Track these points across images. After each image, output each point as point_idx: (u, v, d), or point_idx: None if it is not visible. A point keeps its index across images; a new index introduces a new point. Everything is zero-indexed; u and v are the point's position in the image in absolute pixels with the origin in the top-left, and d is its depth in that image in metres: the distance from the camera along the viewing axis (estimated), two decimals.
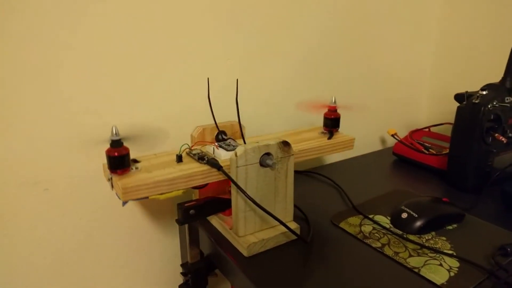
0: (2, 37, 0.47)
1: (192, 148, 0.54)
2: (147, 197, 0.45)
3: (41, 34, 0.49)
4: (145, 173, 0.46)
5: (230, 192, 0.54)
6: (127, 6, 0.54)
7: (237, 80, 0.55)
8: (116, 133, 0.44)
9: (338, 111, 0.62)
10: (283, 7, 0.69)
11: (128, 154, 0.45)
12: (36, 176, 0.53)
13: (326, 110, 0.62)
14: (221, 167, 0.48)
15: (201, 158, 0.50)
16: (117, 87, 0.56)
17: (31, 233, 0.55)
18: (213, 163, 0.48)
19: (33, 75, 0.50)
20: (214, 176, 0.49)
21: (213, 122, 0.57)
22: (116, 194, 0.45)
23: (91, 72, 0.54)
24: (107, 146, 0.44)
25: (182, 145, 0.52)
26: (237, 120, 0.60)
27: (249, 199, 0.47)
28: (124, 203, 0.46)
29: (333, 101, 0.61)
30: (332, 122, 0.61)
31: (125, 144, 0.45)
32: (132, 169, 0.47)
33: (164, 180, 0.45)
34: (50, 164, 0.54)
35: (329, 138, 0.61)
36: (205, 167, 0.48)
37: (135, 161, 0.50)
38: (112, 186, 0.45)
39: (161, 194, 0.46)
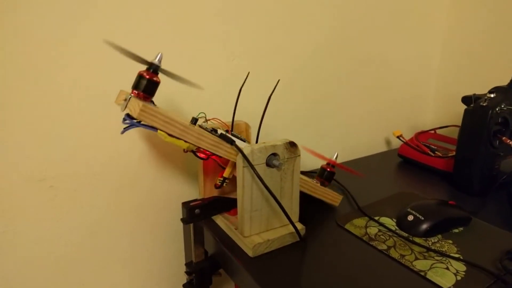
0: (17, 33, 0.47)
1: (209, 120, 0.53)
2: (156, 129, 0.43)
3: (67, 28, 0.49)
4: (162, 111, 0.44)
5: (216, 185, 0.53)
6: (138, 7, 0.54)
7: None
8: (159, 60, 0.42)
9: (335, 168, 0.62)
10: (287, 7, 0.69)
11: (158, 84, 0.43)
12: (41, 172, 0.53)
13: (325, 162, 0.62)
14: (234, 141, 0.47)
15: (214, 130, 0.48)
16: (125, 84, 0.56)
17: (36, 229, 0.55)
18: (226, 137, 0.47)
19: (39, 71, 0.50)
20: (223, 150, 0.47)
21: (225, 119, 0.56)
22: (126, 115, 0.43)
23: (100, 69, 0.54)
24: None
25: (200, 113, 0.50)
26: (242, 120, 0.60)
27: (265, 186, 0.46)
28: (125, 129, 0.44)
29: (335, 157, 0.62)
30: (327, 175, 0.61)
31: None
32: (151, 102, 0.45)
33: (179, 122, 0.43)
34: (56, 161, 0.54)
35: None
36: (217, 139, 0.47)
37: (153, 103, 0.47)
38: (126, 107, 0.43)
39: (170, 135, 0.44)
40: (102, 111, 0.55)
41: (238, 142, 0.49)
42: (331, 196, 0.60)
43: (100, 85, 0.54)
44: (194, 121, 0.47)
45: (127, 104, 0.43)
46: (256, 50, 0.67)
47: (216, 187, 0.52)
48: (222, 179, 0.51)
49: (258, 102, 0.70)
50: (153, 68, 0.43)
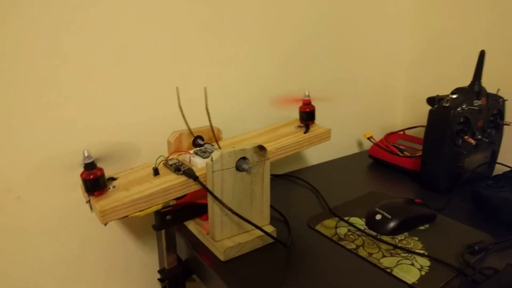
0: None
1: (168, 158, 0.54)
2: (126, 216, 0.45)
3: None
4: (123, 191, 0.46)
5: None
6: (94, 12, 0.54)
7: (205, 88, 0.54)
8: (88, 156, 0.44)
9: (312, 103, 0.62)
10: (258, 7, 0.69)
11: (103, 175, 0.45)
12: (7, 184, 0.52)
13: (300, 104, 0.62)
14: (197, 177, 0.48)
15: (177, 169, 0.50)
16: (86, 103, 0.55)
17: (5, 242, 0.53)
18: (189, 174, 0.48)
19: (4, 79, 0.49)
20: (192, 187, 0.49)
21: (193, 127, 0.57)
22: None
23: (59, 86, 0.53)
24: (78, 169, 0.43)
25: (158, 157, 0.52)
26: (214, 125, 0.60)
27: (225, 206, 0.47)
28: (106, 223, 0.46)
29: (307, 94, 0.61)
30: (307, 115, 0.61)
31: (98, 165, 0.44)
32: (109, 188, 0.46)
33: (142, 197, 0.45)
34: (23, 172, 0.53)
35: (306, 132, 0.61)
36: (182, 178, 0.48)
37: (112, 178, 0.50)
38: (91, 209, 0.45)
39: (141, 211, 0.46)
40: (67, 117, 0.55)
41: (203, 161, 0.50)
42: (319, 137, 0.61)
43: (61, 101, 0.54)
44: (155, 171, 0.50)
45: (91, 207, 0.45)
46: (223, 56, 0.68)
47: None
48: None
49: (228, 106, 0.70)
50: (90, 167, 0.44)
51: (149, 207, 0.46)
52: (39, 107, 0.52)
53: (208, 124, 0.60)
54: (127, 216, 0.45)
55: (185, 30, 0.62)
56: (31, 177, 0.53)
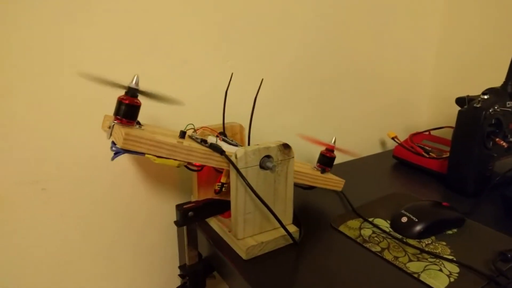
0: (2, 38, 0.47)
1: (197, 131, 0.53)
2: (143, 154, 0.42)
3: (40, 38, 0.49)
4: (148, 133, 0.44)
5: (215, 191, 0.53)
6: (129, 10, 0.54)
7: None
8: (136, 82, 0.42)
9: (335, 152, 0.62)
10: (279, 8, 0.69)
11: (139, 107, 0.43)
12: (35, 175, 0.53)
13: (323, 148, 0.62)
14: (224, 151, 0.46)
15: (203, 141, 0.48)
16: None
17: (29, 232, 0.54)
18: (216, 147, 0.47)
19: (33, 74, 0.50)
20: (214, 161, 0.47)
21: (215, 123, 0.56)
22: (112, 144, 0.43)
23: (94, 66, 0.53)
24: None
25: (188, 124, 0.50)
26: (236, 122, 0.60)
27: (252, 190, 0.46)
28: (115, 156, 0.43)
29: (333, 141, 0.61)
30: (327, 160, 0.61)
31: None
32: (136, 126, 0.45)
33: (166, 143, 0.43)
34: (49, 163, 0.53)
35: (322, 173, 0.60)
36: (207, 149, 0.47)
37: (139, 123, 0.47)
38: (111, 135, 0.43)
39: (158, 157, 0.44)
40: (96, 114, 0.55)
41: (229, 147, 0.49)
42: (333, 182, 0.61)
43: (94, 88, 0.54)
44: (182, 134, 0.48)
45: (111, 132, 0.43)
46: (249, 53, 0.67)
47: (216, 192, 0.53)
48: (220, 184, 0.52)
49: (251, 104, 0.70)
50: (131, 92, 0.42)
51: (168, 158, 0.44)
52: (67, 101, 0.53)
53: (230, 121, 0.60)
54: (143, 154, 0.42)
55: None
56: (57, 170, 0.54)
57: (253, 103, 0.51)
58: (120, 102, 0.42)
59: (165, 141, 0.43)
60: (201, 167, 0.50)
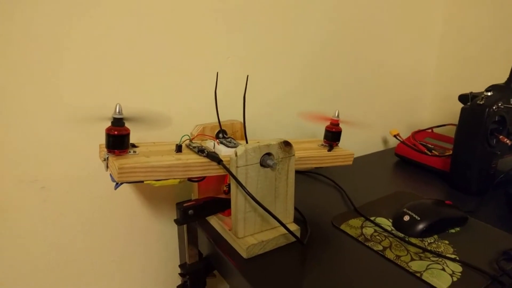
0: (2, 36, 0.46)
1: (193, 140, 0.52)
2: (142, 181, 0.43)
3: (41, 33, 0.48)
4: (143, 157, 0.45)
5: (225, 192, 0.54)
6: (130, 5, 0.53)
7: (247, 76, 0.53)
8: (119, 111, 0.42)
9: (340, 125, 0.61)
10: (286, 10, 0.68)
11: (128, 135, 0.43)
12: (34, 174, 0.52)
13: (328, 123, 0.61)
14: (221, 160, 0.46)
15: (201, 150, 0.48)
16: (118, 86, 0.55)
17: (29, 231, 0.54)
18: (213, 156, 0.47)
19: (32, 73, 0.49)
20: (213, 170, 0.47)
21: (214, 121, 0.56)
22: (110, 175, 0.43)
23: (93, 71, 0.53)
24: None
25: (183, 136, 0.50)
26: (237, 119, 0.59)
27: (249, 195, 0.46)
28: (117, 186, 0.44)
29: (337, 114, 0.60)
30: (333, 136, 0.60)
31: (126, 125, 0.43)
32: (130, 152, 0.45)
33: (162, 166, 0.43)
34: (48, 162, 0.53)
35: (329, 150, 0.59)
36: (204, 159, 0.47)
37: (133, 145, 0.48)
38: (107, 167, 0.43)
39: (157, 180, 0.44)
40: (95, 113, 0.55)
41: (228, 150, 0.49)
42: (342, 158, 0.59)
43: (94, 88, 0.54)
44: (179, 148, 0.48)
45: (107, 164, 0.43)
46: (253, 53, 0.67)
47: (225, 193, 0.54)
48: (228, 184, 0.52)
49: (254, 103, 0.69)
50: (117, 123, 0.42)
51: (167, 179, 0.44)
52: (66, 99, 0.52)
53: (231, 119, 0.60)
54: (142, 181, 0.43)
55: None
56: (57, 169, 0.54)
57: (243, 100, 0.50)
58: (108, 135, 0.42)
59: (160, 164, 0.43)
60: (202, 177, 0.50)
